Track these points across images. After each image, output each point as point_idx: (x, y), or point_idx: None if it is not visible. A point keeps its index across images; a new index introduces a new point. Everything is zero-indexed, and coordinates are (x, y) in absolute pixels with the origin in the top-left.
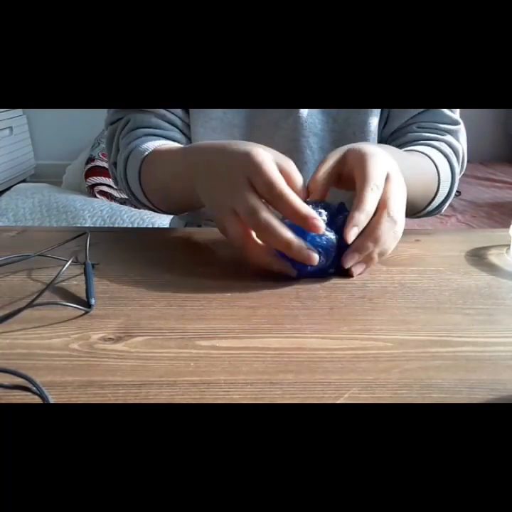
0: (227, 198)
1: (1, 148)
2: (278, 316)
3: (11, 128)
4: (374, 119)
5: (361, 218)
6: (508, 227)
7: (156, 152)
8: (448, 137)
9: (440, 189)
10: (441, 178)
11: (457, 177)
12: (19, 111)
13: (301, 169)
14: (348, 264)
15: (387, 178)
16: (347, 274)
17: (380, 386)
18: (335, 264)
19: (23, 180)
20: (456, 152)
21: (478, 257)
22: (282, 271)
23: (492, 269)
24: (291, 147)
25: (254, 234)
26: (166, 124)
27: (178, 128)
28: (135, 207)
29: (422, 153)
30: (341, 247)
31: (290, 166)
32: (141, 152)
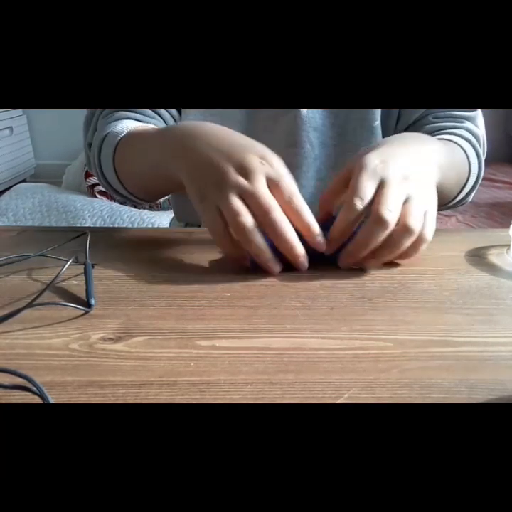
0: (212, 194)
1: (1, 148)
2: (278, 316)
3: (11, 128)
4: (375, 115)
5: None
6: (508, 227)
7: (130, 135)
8: (467, 124)
9: (470, 176)
10: (472, 165)
11: (483, 163)
12: (19, 111)
13: (301, 164)
14: (344, 266)
15: (381, 184)
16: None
17: (380, 386)
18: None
19: (23, 180)
20: (477, 138)
21: (478, 257)
22: (264, 267)
23: (492, 269)
24: (291, 141)
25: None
26: (151, 112)
27: (163, 118)
28: (135, 207)
29: (450, 141)
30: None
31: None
32: (115, 135)
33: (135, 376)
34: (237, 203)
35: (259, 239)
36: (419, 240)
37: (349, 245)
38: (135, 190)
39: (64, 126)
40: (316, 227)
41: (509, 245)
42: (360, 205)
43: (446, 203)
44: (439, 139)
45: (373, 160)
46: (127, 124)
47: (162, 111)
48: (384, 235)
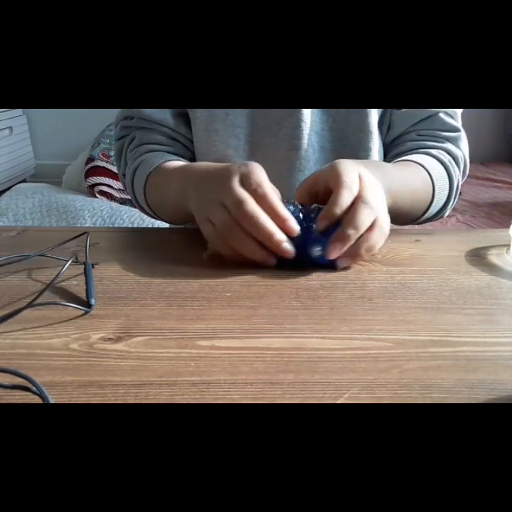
0: (214, 192)
1: (1, 148)
2: (278, 316)
3: (10, 128)
4: (373, 119)
5: (334, 210)
6: (508, 227)
7: (160, 168)
8: (447, 145)
9: (436, 196)
10: (437, 186)
11: (457, 183)
12: (19, 111)
13: (303, 167)
14: (333, 254)
15: (359, 179)
16: (335, 267)
17: (380, 386)
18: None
19: (23, 180)
20: (455, 159)
21: (478, 257)
22: (262, 261)
23: (492, 269)
24: (293, 145)
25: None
26: (169, 140)
27: (180, 143)
28: (135, 207)
29: (416, 162)
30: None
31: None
32: (148, 166)
33: (135, 376)
34: (240, 190)
35: (268, 222)
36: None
37: (338, 229)
38: (157, 210)
39: (64, 126)
40: (284, 212)
41: (509, 245)
42: (348, 193)
43: (412, 219)
44: (406, 159)
45: (347, 163)
46: (157, 158)
47: (181, 138)
48: (370, 216)
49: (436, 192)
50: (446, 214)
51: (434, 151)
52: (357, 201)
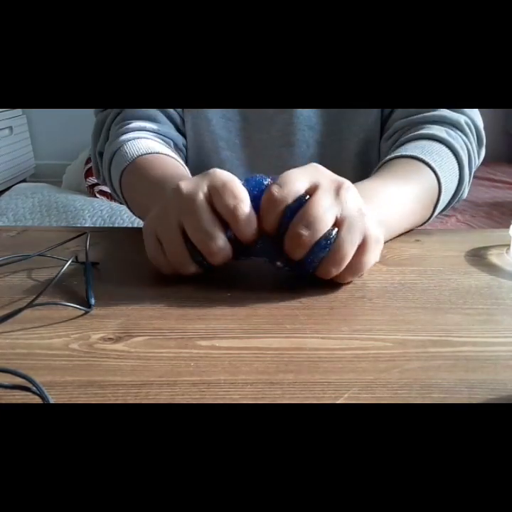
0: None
1: (1, 148)
2: (278, 316)
3: (10, 128)
4: (367, 113)
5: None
6: (508, 227)
7: (137, 164)
8: (441, 111)
9: (442, 191)
10: (441, 178)
11: (468, 155)
12: (19, 111)
13: (297, 163)
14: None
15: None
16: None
17: (380, 386)
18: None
19: (23, 180)
20: (456, 126)
21: (478, 257)
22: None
23: (492, 269)
24: (287, 141)
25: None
26: (163, 118)
27: (175, 123)
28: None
29: (413, 157)
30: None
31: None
32: (126, 158)
33: (135, 376)
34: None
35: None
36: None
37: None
38: (133, 210)
39: (64, 126)
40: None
41: (509, 245)
42: (276, 190)
43: (422, 223)
44: (401, 155)
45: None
46: (138, 145)
47: (173, 114)
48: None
49: (442, 188)
50: (465, 194)
51: (426, 131)
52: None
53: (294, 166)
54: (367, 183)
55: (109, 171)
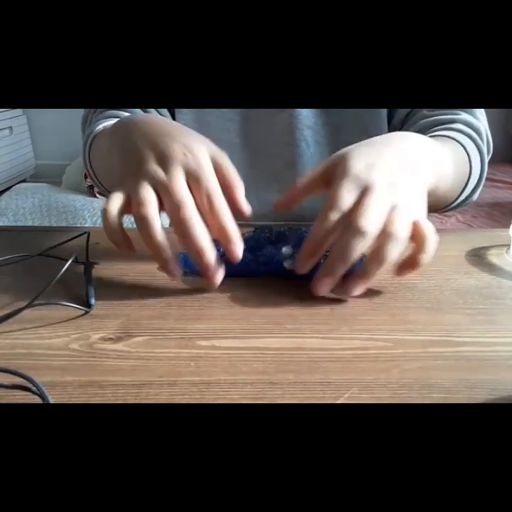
0: (127, 182)
1: (1, 148)
2: (278, 316)
3: (10, 128)
4: (368, 114)
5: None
6: (508, 227)
7: (99, 134)
8: (465, 116)
9: (472, 175)
10: (473, 162)
11: (486, 159)
12: (19, 111)
13: (297, 162)
14: (320, 290)
15: (364, 192)
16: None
17: (380, 386)
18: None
19: (23, 180)
20: (477, 132)
21: (478, 257)
22: (168, 274)
23: (492, 269)
24: (287, 140)
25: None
26: (153, 111)
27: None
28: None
29: (446, 137)
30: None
31: (226, 163)
32: (90, 135)
33: (135, 376)
34: (145, 194)
35: (159, 235)
36: (417, 250)
37: (325, 261)
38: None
39: (64, 126)
40: (233, 232)
41: (509, 245)
42: (336, 215)
43: (445, 205)
44: (433, 136)
45: (357, 164)
46: (110, 123)
47: (153, 110)
48: (361, 246)
49: (472, 172)
50: (475, 198)
51: (455, 126)
52: (347, 226)
53: (295, 165)
54: (428, 140)
55: (89, 157)
